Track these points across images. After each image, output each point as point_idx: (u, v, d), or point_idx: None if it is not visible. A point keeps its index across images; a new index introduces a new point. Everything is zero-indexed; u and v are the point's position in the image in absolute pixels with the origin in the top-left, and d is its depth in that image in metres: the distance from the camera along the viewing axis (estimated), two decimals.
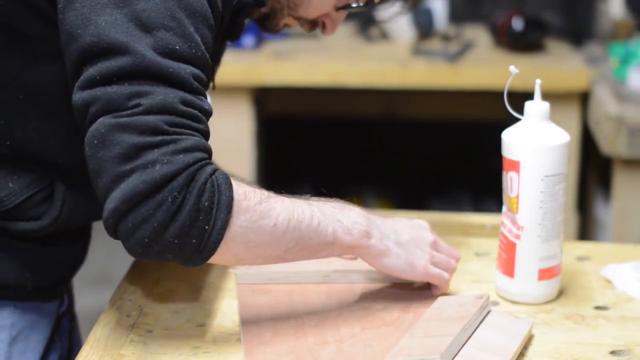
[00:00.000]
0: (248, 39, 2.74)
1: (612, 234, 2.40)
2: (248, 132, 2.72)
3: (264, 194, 1.11)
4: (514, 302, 1.28)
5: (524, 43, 2.77)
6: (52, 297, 1.31)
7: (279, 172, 3.23)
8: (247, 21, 1.33)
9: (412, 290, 1.29)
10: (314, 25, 1.31)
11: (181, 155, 1.03)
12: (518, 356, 1.14)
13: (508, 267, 1.28)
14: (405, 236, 1.23)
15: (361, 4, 1.28)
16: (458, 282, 1.33)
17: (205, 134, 1.09)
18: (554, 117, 1.25)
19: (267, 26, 1.30)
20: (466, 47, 2.80)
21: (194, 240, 1.04)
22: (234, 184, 1.08)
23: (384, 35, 2.95)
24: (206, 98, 1.10)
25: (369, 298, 1.26)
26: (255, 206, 1.09)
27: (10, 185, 1.17)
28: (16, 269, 1.22)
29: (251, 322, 1.19)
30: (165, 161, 1.02)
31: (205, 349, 1.15)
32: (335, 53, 2.79)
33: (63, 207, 1.20)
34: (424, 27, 2.93)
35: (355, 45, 2.90)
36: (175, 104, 1.05)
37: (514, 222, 1.26)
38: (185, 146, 1.04)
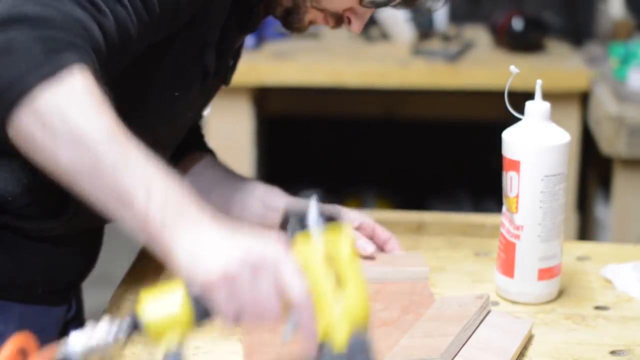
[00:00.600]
0: (248, 39, 2.73)
1: (612, 234, 2.40)
2: (248, 132, 2.72)
3: (106, 103, 0.94)
4: (514, 302, 1.28)
5: (524, 43, 2.77)
6: (61, 302, 1.29)
7: (279, 172, 3.23)
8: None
9: (412, 290, 1.29)
10: (340, 21, 1.25)
11: (55, 13, 0.95)
12: (518, 356, 1.14)
13: (508, 267, 1.28)
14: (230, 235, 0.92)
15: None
16: (458, 282, 1.34)
17: (103, 28, 0.99)
18: (553, 117, 1.25)
19: (292, 22, 1.25)
20: (466, 47, 2.80)
21: (6, 73, 0.92)
22: (89, 71, 0.94)
23: (384, 35, 2.95)
24: (130, 19, 1.02)
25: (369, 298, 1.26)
26: (84, 94, 0.92)
27: (25, 182, 1.16)
28: (27, 271, 1.21)
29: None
30: (39, 8, 0.94)
31: (205, 349, 1.15)
32: (335, 53, 2.79)
33: (79, 206, 1.19)
34: (424, 27, 2.93)
35: (355, 45, 2.90)
36: None
37: (513, 222, 1.26)
38: (66, 10, 0.95)
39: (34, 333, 1.25)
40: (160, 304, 0.91)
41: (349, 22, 1.25)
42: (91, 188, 0.93)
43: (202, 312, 0.91)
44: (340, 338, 0.87)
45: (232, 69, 1.36)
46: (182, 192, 0.93)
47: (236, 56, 1.35)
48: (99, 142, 0.91)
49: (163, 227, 0.91)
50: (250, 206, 1.39)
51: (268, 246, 0.91)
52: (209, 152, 1.48)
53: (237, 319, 0.91)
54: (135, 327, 0.92)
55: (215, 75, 1.25)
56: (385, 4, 1.22)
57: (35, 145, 0.93)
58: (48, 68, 0.91)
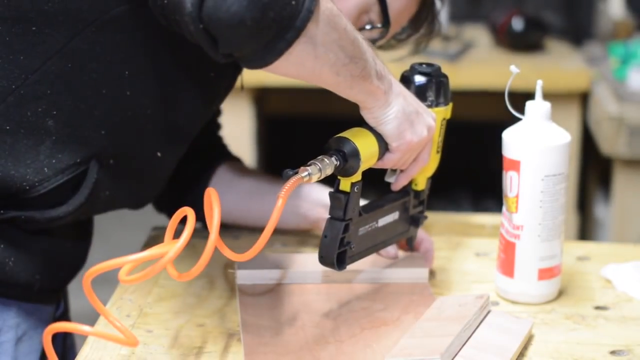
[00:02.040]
0: None
1: (612, 234, 2.40)
2: (248, 132, 2.72)
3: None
4: (514, 302, 1.28)
5: (524, 43, 2.77)
6: (52, 300, 1.31)
7: (279, 172, 3.22)
8: None
9: (412, 290, 1.29)
10: None
11: None
12: (518, 356, 1.14)
13: (508, 267, 1.28)
14: (416, 112, 1.21)
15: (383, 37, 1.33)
16: (458, 282, 1.34)
17: None
18: (553, 117, 1.25)
19: None
20: (466, 47, 2.80)
21: (275, 14, 1.00)
22: None
23: None
24: None
25: (369, 298, 1.26)
26: (332, 7, 1.07)
27: (46, 170, 1.17)
28: (28, 269, 1.22)
29: (251, 322, 1.19)
30: None
31: (205, 349, 1.15)
32: None
33: (90, 194, 1.20)
34: None
35: None
36: None
37: (513, 221, 1.26)
38: None
39: (31, 330, 1.26)
40: (362, 141, 1.18)
41: None
42: (352, 71, 1.11)
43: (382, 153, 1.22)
44: (420, 182, 1.39)
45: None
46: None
47: None
48: (356, 37, 1.09)
49: (386, 93, 1.17)
50: (295, 207, 1.42)
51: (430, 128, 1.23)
52: (238, 160, 1.50)
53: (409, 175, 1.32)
54: (345, 158, 1.19)
55: None
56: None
57: (306, 65, 1.10)
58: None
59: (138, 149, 1.24)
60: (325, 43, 1.05)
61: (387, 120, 1.18)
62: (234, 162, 1.49)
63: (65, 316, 1.39)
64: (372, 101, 1.16)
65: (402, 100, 1.19)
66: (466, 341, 1.13)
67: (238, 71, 1.34)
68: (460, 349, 1.12)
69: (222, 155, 1.49)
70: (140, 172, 1.27)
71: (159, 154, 1.27)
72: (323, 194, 1.41)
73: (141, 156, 1.25)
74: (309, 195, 1.42)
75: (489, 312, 1.20)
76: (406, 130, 1.19)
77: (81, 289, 1.17)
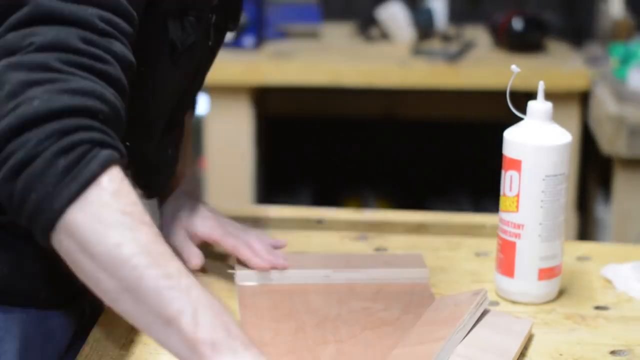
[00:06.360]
0: (248, 39, 2.74)
1: (612, 234, 2.40)
2: (248, 132, 2.72)
3: (140, 214, 0.92)
4: (514, 302, 1.28)
5: (524, 43, 2.77)
6: (70, 305, 1.25)
7: (279, 172, 3.23)
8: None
9: (412, 290, 1.29)
10: None
11: (65, 96, 0.92)
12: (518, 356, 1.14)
13: (507, 266, 1.27)
14: None
15: None
16: (458, 282, 1.33)
17: (113, 78, 0.97)
18: (553, 117, 1.25)
19: None
20: (466, 47, 2.80)
21: (35, 197, 0.91)
22: (116, 174, 0.92)
23: (384, 35, 2.95)
24: (122, 44, 1.00)
25: (369, 298, 1.26)
26: (115, 211, 0.91)
27: None
28: (28, 277, 1.18)
29: (251, 322, 1.19)
30: (45, 98, 0.91)
31: None
32: (335, 53, 2.79)
33: None
34: (424, 27, 2.93)
35: (355, 45, 2.90)
36: (71, 40, 0.95)
37: (513, 221, 1.26)
38: (74, 87, 0.93)
39: (41, 339, 1.22)
40: None
41: None
42: (134, 310, 0.92)
43: None
44: None
45: (233, 19, 1.32)
46: (226, 312, 0.93)
47: (232, 11, 1.31)
48: (139, 264, 0.90)
49: (214, 348, 0.89)
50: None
51: None
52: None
53: None
54: None
55: (198, 42, 1.22)
56: None
57: (76, 265, 0.93)
58: (75, 186, 0.90)
59: (145, 148, 1.23)
60: (83, 248, 0.91)
61: None
62: None
63: (93, 323, 1.28)
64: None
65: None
66: (464, 339, 1.13)
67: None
68: (460, 349, 1.11)
69: None
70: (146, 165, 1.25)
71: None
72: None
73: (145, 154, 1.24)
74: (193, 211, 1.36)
75: (488, 308, 1.20)
76: None
77: None
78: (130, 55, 1.01)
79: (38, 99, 0.91)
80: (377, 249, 1.44)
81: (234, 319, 0.92)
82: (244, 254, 1.31)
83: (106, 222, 0.90)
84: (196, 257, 1.33)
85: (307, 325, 1.19)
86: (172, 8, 1.15)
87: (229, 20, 1.31)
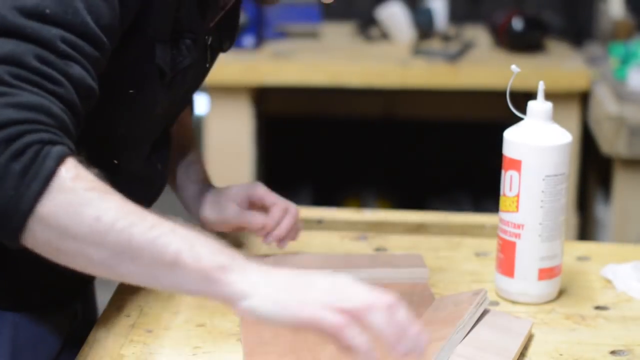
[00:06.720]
0: (248, 39, 2.74)
1: (612, 234, 2.40)
2: (248, 132, 2.72)
3: (103, 187, 0.95)
4: (514, 302, 1.28)
5: (524, 43, 2.77)
6: (62, 309, 1.27)
7: (279, 172, 3.23)
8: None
9: (412, 290, 1.29)
10: None
11: (10, 110, 0.93)
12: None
13: (507, 266, 1.27)
14: (294, 277, 0.94)
15: None
16: (458, 282, 1.33)
17: (63, 100, 0.97)
18: (554, 117, 1.25)
19: None
20: (466, 47, 2.80)
21: None
22: (71, 162, 0.94)
23: (384, 35, 2.95)
24: (82, 67, 1.00)
25: None
26: (81, 191, 0.93)
27: None
28: (19, 280, 1.18)
29: (251, 322, 1.19)
30: None
31: (205, 349, 1.15)
32: (335, 53, 2.79)
33: None
34: (424, 27, 2.93)
35: (355, 45, 2.90)
36: (25, 57, 0.95)
37: (513, 221, 1.26)
38: (20, 101, 0.93)
39: (34, 342, 1.22)
40: None
41: None
42: (134, 269, 0.94)
43: None
44: None
45: (229, 37, 1.33)
46: (216, 240, 0.96)
47: (228, 29, 1.32)
48: (124, 226, 0.93)
49: (224, 270, 0.93)
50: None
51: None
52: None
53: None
54: None
55: (196, 64, 1.22)
56: None
57: (59, 251, 0.95)
58: (37, 184, 0.92)
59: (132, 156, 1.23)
60: (64, 237, 0.93)
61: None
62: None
63: (84, 326, 1.32)
64: (214, 292, 0.94)
65: (279, 282, 0.94)
66: (464, 339, 1.13)
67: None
68: (460, 349, 1.11)
69: None
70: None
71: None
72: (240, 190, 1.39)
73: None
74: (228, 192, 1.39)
75: (487, 308, 1.20)
76: (297, 303, 0.92)
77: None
78: (89, 80, 1.01)
79: None
80: (377, 249, 1.44)
81: (225, 245, 0.95)
82: (274, 217, 1.34)
83: (78, 203, 0.92)
84: (259, 216, 1.35)
85: None
86: (165, 32, 1.15)
87: (225, 40, 1.32)
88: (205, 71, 1.31)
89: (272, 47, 2.80)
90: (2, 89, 0.94)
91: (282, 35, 2.92)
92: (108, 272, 0.96)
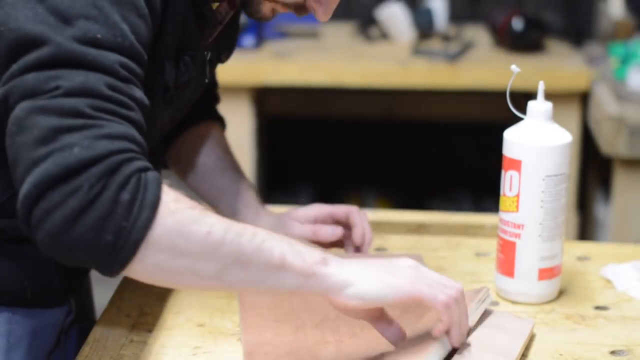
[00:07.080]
0: (248, 39, 2.74)
1: (612, 234, 2.40)
2: (248, 132, 2.72)
3: (198, 204, 1.01)
4: (514, 302, 1.28)
5: (524, 43, 2.77)
6: (56, 304, 1.26)
7: (279, 172, 3.23)
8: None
9: None
10: (303, 9, 1.25)
11: (104, 142, 0.95)
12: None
13: (507, 266, 1.27)
14: (379, 263, 1.07)
15: None
16: (458, 282, 1.33)
17: (137, 124, 1.01)
18: (554, 117, 1.25)
19: (251, 13, 1.25)
20: (466, 47, 2.80)
21: (109, 237, 0.94)
22: (165, 186, 0.99)
23: (384, 35, 2.95)
24: (139, 88, 1.03)
25: None
26: (186, 210, 0.98)
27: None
28: (13, 276, 1.18)
29: (251, 322, 1.19)
30: (86, 145, 0.94)
31: (205, 349, 1.15)
32: (335, 53, 2.79)
33: None
34: (424, 27, 2.93)
35: (355, 45, 2.90)
36: (98, 86, 0.98)
37: (513, 221, 1.26)
38: (109, 132, 0.96)
39: (29, 336, 1.23)
40: None
41: (315, 10, 1.26)
42: (244, 276, 1.00)
43: None
44: None
45: (226, 49, 1.34)
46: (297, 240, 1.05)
47: (226, 43, 1.33)
48: (233, 238, 0.99)
49: (325, 262, 1.02)
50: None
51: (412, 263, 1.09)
52: (217, 122, 1.51)
53: (445, 303, 1.08)
54: None
55: (195, 78, 1.24)
56: None
57: (167, 273, 0.99)
58: (147, 212, 0.95)
59: None
60: (176, 256, 0.98)
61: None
62: (209, 125, 1.48)
63: (82, 318, 1.34)
64: (316, 287, 1.03)
65: (360, 265, 1.05)
66: (465, 339, 1.13)
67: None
68: (461, 349, 1.11)
69: (200, 114, 1.47)
70: None
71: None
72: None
73: None
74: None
75: (489, 309, 1.20)
76: (394, 279, 1.05)
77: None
78: (146, 99, 1.04)
79: (78, 146, 0.94)
80: (377, 249, 1.44)
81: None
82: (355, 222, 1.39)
83: (187, 222, 0.97)
84: (331, 229, 1.40)
85: (307, 325, 1.19)
86: (172, 49, 1.16)
87: (222, 53, 1.33)
88: (203, 85, 1.33)
89: (272, 47, 2.80)
90: (87, 121, 0.96)
91: (282, 35, 2.92)
92: (215, 284, 1.01)
